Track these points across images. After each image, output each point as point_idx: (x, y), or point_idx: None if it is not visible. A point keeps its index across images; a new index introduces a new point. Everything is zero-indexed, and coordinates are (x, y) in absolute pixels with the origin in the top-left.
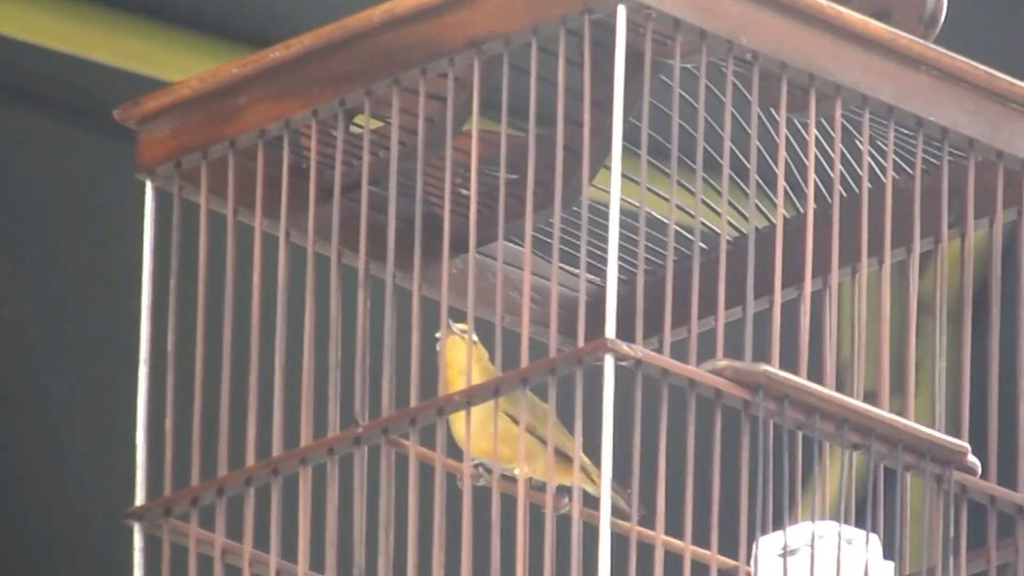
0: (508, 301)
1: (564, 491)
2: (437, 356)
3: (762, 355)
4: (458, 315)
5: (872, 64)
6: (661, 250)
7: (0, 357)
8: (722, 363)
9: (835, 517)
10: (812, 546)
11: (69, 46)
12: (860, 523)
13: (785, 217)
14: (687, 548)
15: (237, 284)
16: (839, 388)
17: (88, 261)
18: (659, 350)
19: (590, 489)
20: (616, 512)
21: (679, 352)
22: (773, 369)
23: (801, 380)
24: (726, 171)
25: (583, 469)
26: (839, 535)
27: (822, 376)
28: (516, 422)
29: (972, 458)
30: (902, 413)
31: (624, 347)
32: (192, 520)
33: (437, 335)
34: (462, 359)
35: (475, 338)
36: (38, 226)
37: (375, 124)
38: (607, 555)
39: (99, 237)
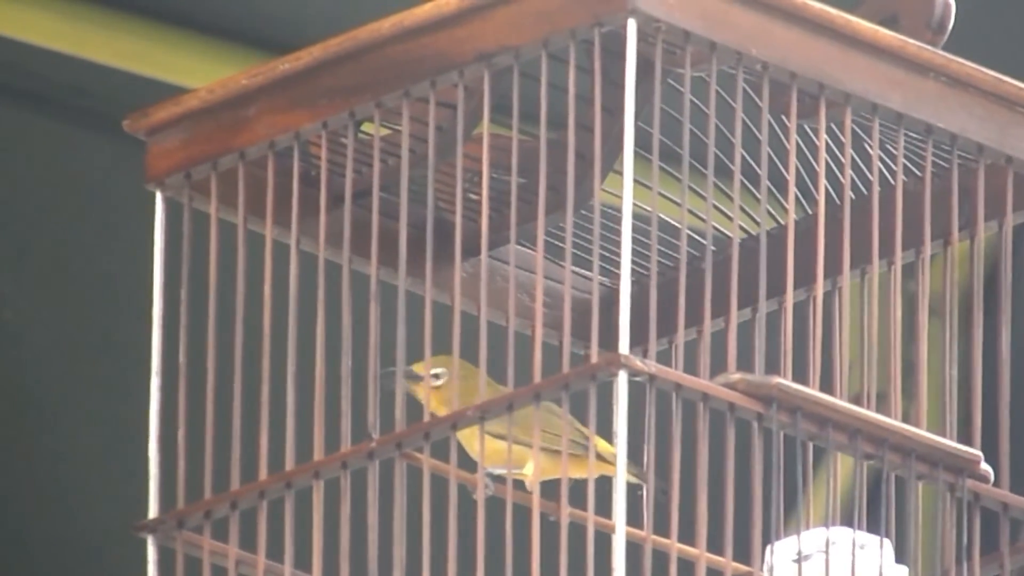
0: (519, 305)
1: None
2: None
3: (771, 357)
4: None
5: (881, 72)
6: (672, 252)
7: (0, 358)
8: (735, 376)
9: (848, 522)
10: (826, 552)
11: (69, 47)
12: (872, 528)
13: (794, 220)
14: (701, 555)
15: (248, 294)
16: (847, 390)
17: (89, 262)
18: (667, 351)
19: (608, 473)
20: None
21: (691, 355)
22: (786, 382)
23: (814, 392)
24: (737, 177)
25: (599, 456)
26: (853, 540)
27: (831, 383)
28: (502, 438)
29: (985, 466)
30: (912, 417)
31: (638, 363)
32: (205, 533)
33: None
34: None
35: (438, 376)
36: (39, 227)
37: (384, 131)
38: (622, 563)
39: (100, 237)
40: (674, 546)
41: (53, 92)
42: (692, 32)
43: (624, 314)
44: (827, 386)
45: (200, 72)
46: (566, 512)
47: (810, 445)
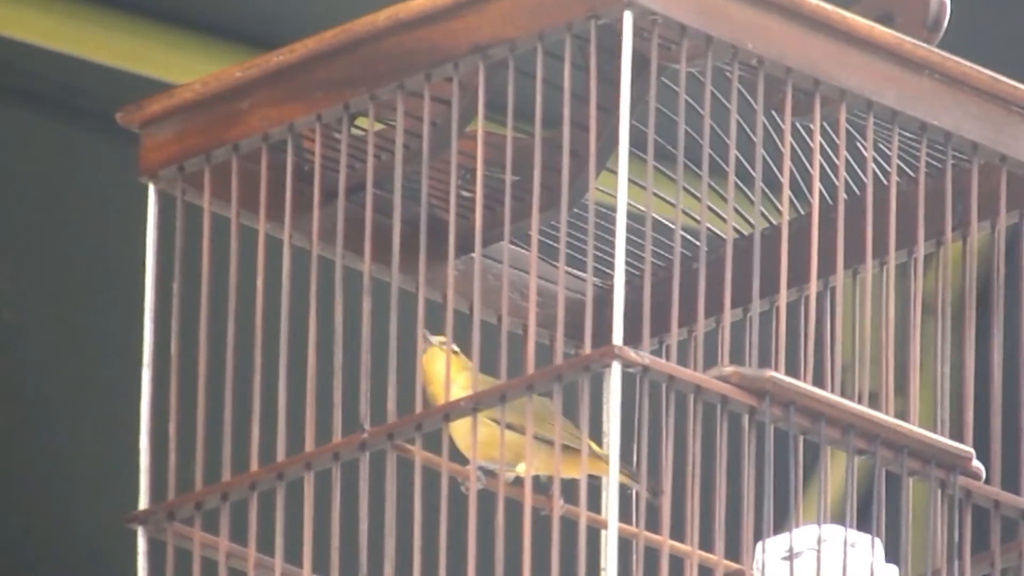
0: (510, 303)
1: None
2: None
3: (763, 356)
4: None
5: (876, 69)
6: (665, 252)
7: (0, 357)
8: (728, 369)
9: (838, 520)
10: (816, 549)
11: (69, 47)
12: (862, 526)
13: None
14: (693, 552)
15: (240, 287)
16: (841, 389)
17: (88, 261)
18: (658, 351)
19: (601, 473)
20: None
21: (683, 354)
22: (779, 375)
23: (807, 386)
24: (731, 177)
25: (593, 456)
26: (844, 539)
27: (823, 379)
28: (498, 423)
29: (976, 463)
30: (904, 415)
31: (632, 354)
32: (196, 524)
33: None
34: (441, 372)
35: (455, 348)
36: (38, 226)
37: (377, 126)
38: (614, 559)
39: (99, 237)
40: (666, 543)
41: (52, 92)
42: (688, 26)
43: (618, 305)
44: (819, 383)
45: (199, 72)
46: (559, 506)
47: (800, 440)
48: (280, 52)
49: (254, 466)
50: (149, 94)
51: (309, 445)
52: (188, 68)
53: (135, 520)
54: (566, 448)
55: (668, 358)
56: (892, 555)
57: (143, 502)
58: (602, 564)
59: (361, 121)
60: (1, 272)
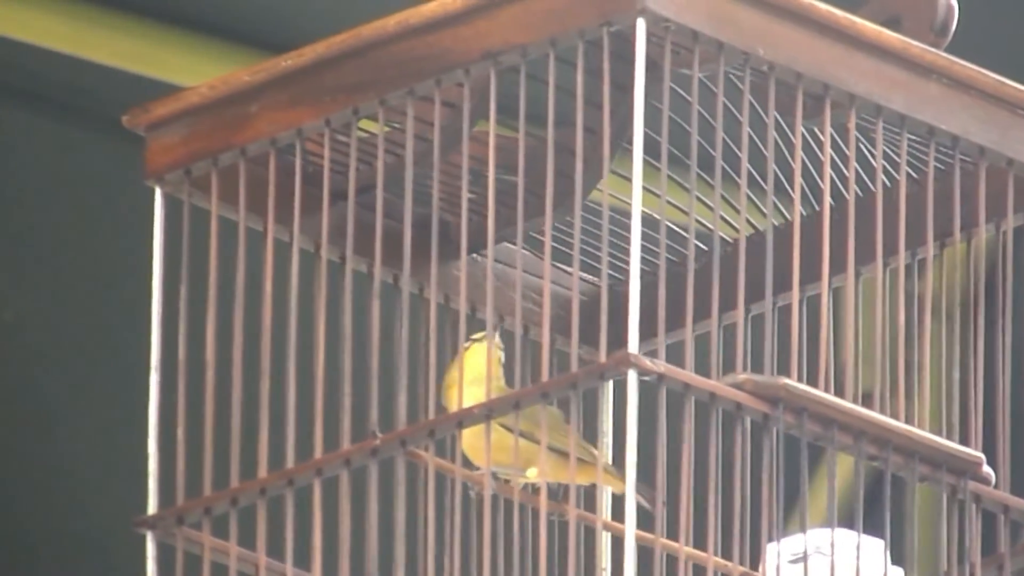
0: (509, 305)
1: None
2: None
3: (758, 359)
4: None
5: (885, 73)
6: (671, 256)
7: (0, 358)
8: (742, 377)
9: (844, 523)
10: (822, 552)
11: (70, 47)
12: (868, 529)
13: (790, 221)
14: (710, 559)
15: (248, 291)
16: (845, 392)
17: (88, 263)
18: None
19: (614, 488)
20: (640, 510)
21: (678, 356)
22: (792, 382)
23: (820, 393)
24: (743, 188)
25: (605, 469)
26: (850, 542)
27: (827, 380)
28: (510, 430)
29: (987, 468)
30: (912, 417)
31: (647, 362)
32: (205, 529)
33: (469, 340)
34: (482, 368)
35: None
36: (38, 227)
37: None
38: (632, 566)
39: (99, 238)
40: (683, 550)
41: (53, 92)
42: (700, 32)
43: (633, 313)
44: (816, 383)
45: (200, 72)
46: (574, 514)
47: (804, 443)
48: (289, 56)
49: (263, 472)
50: (151, 95)
51: (319, 451)
52: (190, 69)
53: (144, 524)
54: (564, 454)
55: (686, 366)
56: (897, 559)
57: (152, 506)
58: (602, 564)
59: (364, 122)
60: (1, 272)
